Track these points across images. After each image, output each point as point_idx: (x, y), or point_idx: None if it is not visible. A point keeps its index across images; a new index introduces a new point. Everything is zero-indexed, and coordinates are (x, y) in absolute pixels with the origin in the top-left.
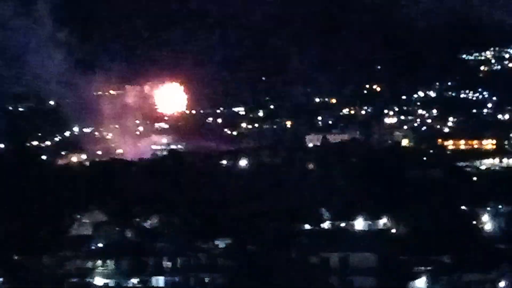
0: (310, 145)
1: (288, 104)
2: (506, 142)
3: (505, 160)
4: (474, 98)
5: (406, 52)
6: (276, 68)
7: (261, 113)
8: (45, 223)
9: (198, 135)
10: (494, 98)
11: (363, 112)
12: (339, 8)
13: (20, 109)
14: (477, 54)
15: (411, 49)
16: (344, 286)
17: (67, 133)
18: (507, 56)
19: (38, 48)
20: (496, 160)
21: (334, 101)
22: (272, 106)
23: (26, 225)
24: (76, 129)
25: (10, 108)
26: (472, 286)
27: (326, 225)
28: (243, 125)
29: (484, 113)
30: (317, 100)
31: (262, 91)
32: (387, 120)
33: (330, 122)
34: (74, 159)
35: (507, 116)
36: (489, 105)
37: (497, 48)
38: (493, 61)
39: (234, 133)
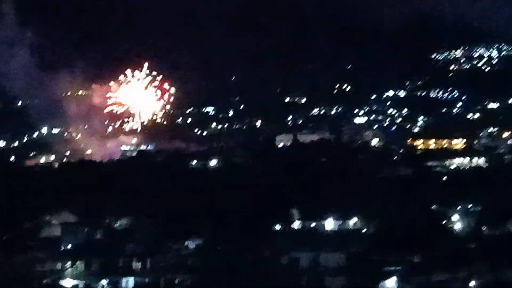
0: (280, 145)
1: (258, 104)
2: (475, 142)
3: (474, 160)
4: (444, 98)
5: (376, 51)
6: (246, 68)
7: (231, 113)
8: (13, 225)
9: (168, 135)
10: (464, 97)
11: (333, 112)
12: (310, 9)
13: None
14: (446, 53)
15: (380, 48)
16: (315, 286)
17: (35, 134)
18: (476, 55)
19: (3, 48)
20: (466, 160)
21: (303, 101)
22: (242, 106)
23: None
24: (44, 130)
25: None
26: (442, 286)
27: (296, 225)
28: (213, 125)
29: (454, 113)
30: (287, 100)
31: (232, 90)
32: (357, 120)
33: (299, 122)
34: (42, 160)
35: (476, 116)
36: (459, 104)
37: (466, 47)
38: (462, 60)
39: (204, 133)
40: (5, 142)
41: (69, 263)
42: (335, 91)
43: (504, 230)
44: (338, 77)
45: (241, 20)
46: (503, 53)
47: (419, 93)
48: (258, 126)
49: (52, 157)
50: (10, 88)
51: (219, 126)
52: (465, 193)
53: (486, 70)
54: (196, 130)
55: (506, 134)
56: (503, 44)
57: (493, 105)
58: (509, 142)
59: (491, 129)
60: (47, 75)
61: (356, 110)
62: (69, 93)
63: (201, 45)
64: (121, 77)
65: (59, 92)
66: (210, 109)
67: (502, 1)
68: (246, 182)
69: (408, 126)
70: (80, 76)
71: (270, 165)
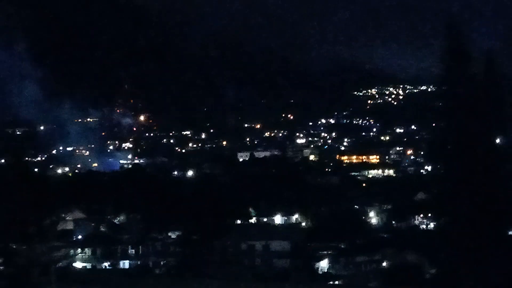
0: (241, 159)
1: (224, 128)
2: (386, 157)
3: (386, 171)
4: (363, 124)
5: (312, 90)
6: (214, 102)
7: (203, 136)
8: (35, 221)
9: (156, 152)
10: (378, 124)
11: (280, 134)
12: (255, 58)
13: (18, 132)
14: (365, 91)
15: (316, 88)
16: (266, 266)
17: (54, 151)
18: (387, 93)
19: (29, 85)
20: (379, 171)
21: (258, 126)
22: (212, 130)
23: (21, 222)
24: (60, 148)
25: (10, 131)
26: (362, 266)
27: (253, 220)
28: (190, 144)
29: (370, 136)
30: (246, 125)
31: (204, 118)
32: (298, 141)
33: (255, 142)
34: (59, 171)
35: (387, 138)
36: (374, 129)
37: (379, 87)
38: (376, 96)
39: (183, 150)
40: (31, 157)
41: (79, 250)
42: (281, 119)
43: (408, 224)
44: (284, 109)
45: (210, 68)
46: (406, 91)
47: (344, 121)
48: (224, 145)
49: (66, 169)
50: (33, 116)
51: (195, 145)
52: (379, 195)
53: (394, 103)
54: (177, 148)
55: (409, 152)
56: (406, 85)
57: (399, 130)
58: (411, 157)
59: (398, 148)
60: (62, 107)
61: (297, 134)
62: (79, 120)
63: (181, 86)
64: (120, 107)
65: (71, 119)
66: (187, 133)
67: (405, 54)
68: (215, 188)
69: (337, 145)
70: (87, 106)
71: (233, 175)
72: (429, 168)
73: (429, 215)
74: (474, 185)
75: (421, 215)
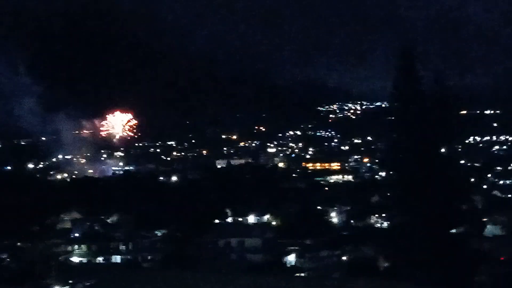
0: (219, 166)
1: (204, 139)
2: (346, 165)
3: (345, 177)
4: (326, 136)
5: (282, 104)
6: (195, 117)
7: (186, 145)
8: (39, 220)
9: (144, 160)
10: (338, 136)
11: (253, 144)
12: (231, 78)
13: (22, 143)
14: (327, 107)
15: (285, 103)
16: (241, 260)
17: (54, 159)
18: (346, 108)
19: (31, 101)
20: (340, 176)
21: (234, 137)
22: (193, 141)
23: (25, 221)
24: (60, 156)
25: (15, 142)
26: (325, 260)
27: (229, 219)
28: (174, 153)
29: (332, 146)
30: (223, 136)
31: (187, 130)
32: (269, 150)
33: (232, 151)
34: (59, 176)
35: (346, 148)
36: (335, 140)
37: (340, 103)
38: (337, 111)
39: (168, 158)
40: (33, 164)
41: (76, 246)
42: (254, 131)
43: (365, 223)
44: (256, 123)
45: (192, 88)
46: (363, 106)
47: (309, 133)
48: (204, 154)
49: (65, 175)
50: (35, 128)
51: (178, 154)
52: (339, 198)
53: (353, 117)
54: (162, 156)
55: (365, 160)
56: (363, 101)
57: (357, 141)
58: (368, 165)
59: (356, 156)
60: (60, 120)
61: (269, 144)
62: (76, 132)
63: (166, 102)
64: (111, 120)
65: (69, 131)
66: (172, 143)
67: (362, 74)
68: (196, 191)
69: (303, 154)
70: (83, 120)
71: (212, 180)
72: (383, 174)
73: (383, 215)
74: (421, 189)
75: (376, 215)
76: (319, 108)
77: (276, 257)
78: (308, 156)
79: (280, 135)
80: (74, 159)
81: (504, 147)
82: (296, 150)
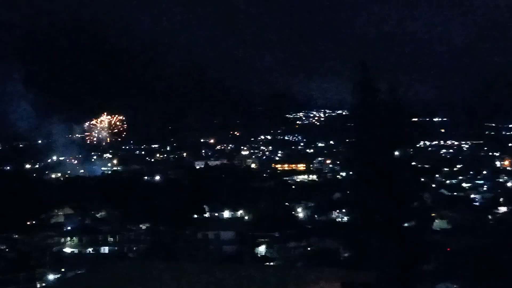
0: (197, 167)
1: (184, 143)
2: (311, 166)
3: (310, 176)
4: (293, 140)
5: (254, 112)
6: (176, 122)
7: (168, 148)
8: (35, 215)
9: (130, 161)
10: (304, 140)
11: (229, 148)
12: (209, 88)
13: (20, 145)
14: (294, 114)
15: (257, 110)
16: (217, 251)
17: (49, 160)
18: (311, 115)
19: (28, 108)
20: (305, 176)
21: (211, 141)
22: (174, 144)
23: (23, 216)
24: (54, 158)
25: (14, 144)
26: (292, 250)
27: (207, 215)
28: (157, 155)
29: (298, 149)
30: (202, 140)
31: (169, 134)
32: (243, 152)
33: (209, 153)
34: (53, 176)
35: (311, 151)
36: (301, 144)
37: (306, 111)
38: (303, 118)
39: (152, 160)
40: (30, 165)
41: (68, 238)
42: (230, 136)
43: (328, 218)
44: (231, 128)
45: (174, 97)
46: (326, 114)
47: (279, 137)
48: (184, 156)
49: (59, 174)
50: (32, 132)
51: (161, 156)
52: (305, 195)
53: (317, 124)
54: (147, 158)
55: (328, 161)
56: (326, 110)
57: (320, 145)
58: (330, 166)
59: (319, 158)
60: (54, 125)
61: (242, 147)
62: (69, 136)
63: (150, 110)
64: (101, 126)
65: (62, 135)
66: (155, 146)
67: (326, 85)
68: (177, 189)
69: (272, 156)
70: (75, 125)
71: (191, 179)
72: (343, 174)
73: (343, 210)
74: (377, 187)
75: (337, 211)
76: (287, 115)
77: (248, 248)
78: (277, 158)
79: (252, 139)
80: (67, 160)
81: (451, 150)
82: (267, 153)
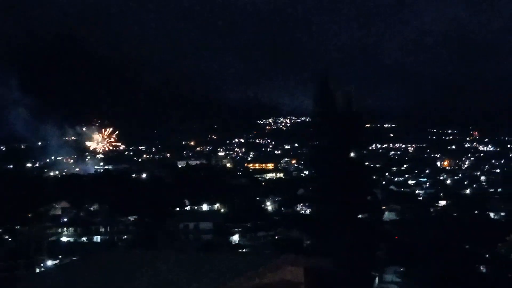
0: (179, 166)
1: (168, 145)
2: (278, 165)
3: (278, 174)
4: (263, 143)
5: (229, 118)
6: (162, 128)
7: (154, 149)
8: (35, 208)
9: (119, 161)
10: (273, 143)
11: (207, 149)
12: (190, 97)
13: (22, 146)
14: (264, 120)
15: (232, 116)
16: (196, 240)
17: (47, 160)
18: (279, 121)
19: (29, 112)
20: (274, 174)
21: (192, 143)
22: (159, 146)
23: (24, 209)
24: (52, 158)
25: (16, 145)
26: (261, 239)
27: (187, 208)
28: (144, 155)
29: (268, 150)
30: (183, 143)
31: (154, 138)
32: (219, 154)
33: (190, 154)
34: (51, 173)
35: (279, 152)
36: (270, 146)
37: (274, 117)
38: (272, 124)
39: (139, 160)
40: (30, 164)
41: (65, 229)
42: (208, 139)
43: (293, 211)
44: (209, 132)
45: (159, 104)
46: (292, 120)
47: (251, 140)
48: (168, 156)
49: (56, 172)
50: (32, 135)
51: (148, 156)
52: (273, 191)
53: (284, 129)
54: (135, 158)
55: (293, 161)
56: (292, 116)
57: (287, 147)
58: (295, 165)
59: (286, 159)
60: (53, 128)
61: (219, 149)
62: (66, 138)
63: (138, 115)
64: (94, 129)
65: (60, 137)
66: (142, 147)
67: (291, 94)
68: (161, 185)
69: (245, 157)
70: (71, 128)
71: (174, 177)
72: (306, 172)
73: (307, 204)
74: (335, 184)
75: (301, 204)
76: (258, 121)
77: (223, 237)
78: (249, 159)
79: (227, 142)
80: (64, 160)
81: (398, 152)
82: (240, 154)
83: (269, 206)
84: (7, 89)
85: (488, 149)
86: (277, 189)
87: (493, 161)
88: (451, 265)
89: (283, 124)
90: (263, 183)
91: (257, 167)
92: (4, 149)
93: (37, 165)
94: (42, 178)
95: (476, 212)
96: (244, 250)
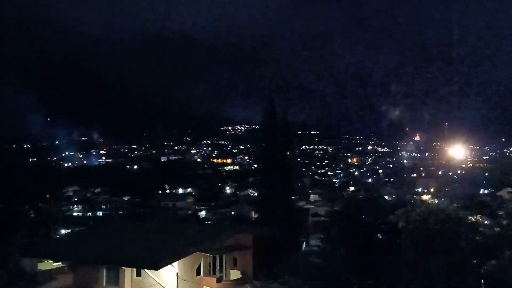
0: (162, 160)
1: (154, 144)
2: (235, 160)
3: (234, 167)
4: (225, 144)
5: (199, 125)
6: (152, 132)
7: (143, 148)
8: (53, 191)
9: (116, 156)
10: (231, 144)
11: (182, 148)
12: (167, 109)
13: (44, 144)
14: (225, 127)
15: (201, 123)
16: (174, 215)
17: (63, 155)
18: (236, 128)
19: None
20: (231, 167)
21: (171, 143)
22: (147, 145)
23: (44, 192)
24: (66, 153)
25: (38, 144)
26: (221, 214)
27: (167, 191)
28: (136, 152)
29: (227, 149)
30: (165, 143)
31: (144, 139)
32: (192, 151)
33: (170, 152)
34: (66, 165)
35: (236, 151)
36: (229, 146)
37: (232, 125)
38: (231, 129)
39: (132, 155)
40: (49, 158)
41: (75, 206)
42: (183, 140)
43: (245, 193)
44: (184, 135)
45: (146, 114)
46: (246, 127)
47: (215, 142)
48: (154, 153)
49: (69, 164)
50: (51, 137)
51: (138, 153)
52: (231, 179)
53: (240, 134)
54: (129, 154)
55: (246, 158)
56: (246, 124)
57: (242, 147)
58: (247, 160)
59: (241, 156)
60: (67, 130)
61: (192, 148)
62: (76, 138)
63: (133, 123)
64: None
65: (72, 137)
66: (135, 146)
67: (246, 106)
68: (148, 174)
69: (211, 154)
70: (81, 131)
71: (158, 168)
72: (255, 166)
73: (255, 188)
74: (274, 174)
75: (251, 189)
76: (221, 128)
77: (194, 213)
78: (214, 155)
79: (198, 143)
80: (75, 155)
81: (321, 152)
82: (207, 152)
83: (227, 190)
84: (30, 101)
85: (384, 150)
86: (233, 178)
87: (388, 159)
88: (356, 232)
89: (239, 130)
90: (223, 173)
91: (219, 162)
92: (30, 146)
93: (55, 158)
94: (59, 168)
95: (375, 195)
96: (209, 222)
